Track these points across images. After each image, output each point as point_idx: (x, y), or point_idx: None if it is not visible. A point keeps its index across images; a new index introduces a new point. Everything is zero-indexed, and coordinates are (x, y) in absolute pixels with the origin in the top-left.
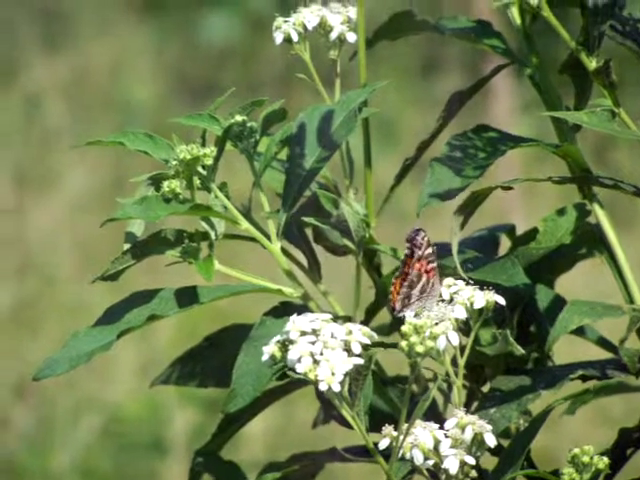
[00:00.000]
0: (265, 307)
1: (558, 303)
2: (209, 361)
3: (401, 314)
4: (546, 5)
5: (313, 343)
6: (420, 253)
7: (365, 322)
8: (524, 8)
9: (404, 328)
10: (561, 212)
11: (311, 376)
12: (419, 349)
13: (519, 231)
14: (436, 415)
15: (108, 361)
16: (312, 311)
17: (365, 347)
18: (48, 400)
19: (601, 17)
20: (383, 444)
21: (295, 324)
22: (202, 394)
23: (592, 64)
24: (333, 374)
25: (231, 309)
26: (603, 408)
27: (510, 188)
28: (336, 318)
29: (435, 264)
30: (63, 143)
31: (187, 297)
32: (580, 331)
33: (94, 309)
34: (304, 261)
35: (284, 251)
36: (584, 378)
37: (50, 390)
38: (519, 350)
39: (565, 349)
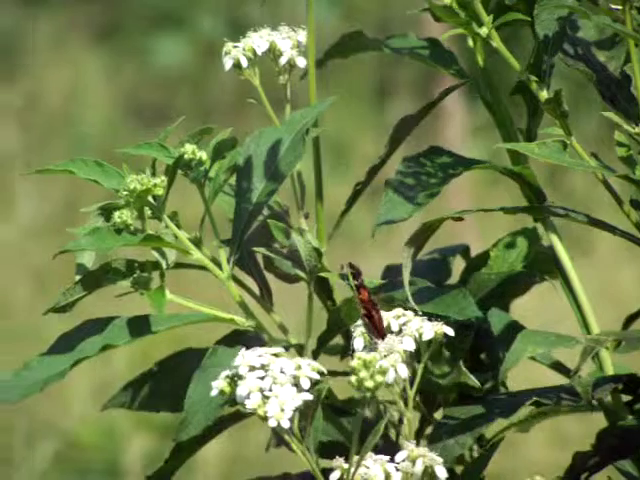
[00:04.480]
0: (224, 332)
1: (512, 327)
2: (161, 386)
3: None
4: (496, 36)
5: (262, 378)
6: (357, 282)
7: (317, 350)
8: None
9: (353, 363)
10: (512, 237)
11: (260, 412)
12: (368, 384)
13: (474, 249)
14: (389, 443)
15: (63, 385)
16: (264, 340)
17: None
18: (2, 426)
19: (552, 48)
20: (334, 477)
21: (244, 359)
22: (157, 419)
23: (543, 94)
24: (282, 410)
25: (190, 332)
26: (561, 430)
27: (461, 219)
28: (288, 347)
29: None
30: (16, 169)
31: (140, 326)
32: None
33: (47, 337)
34: (256, 288)
35: (236, 279)
36: (538, 404)
37: (4, 415)
38: (474, 382)
39: (520, 371)
